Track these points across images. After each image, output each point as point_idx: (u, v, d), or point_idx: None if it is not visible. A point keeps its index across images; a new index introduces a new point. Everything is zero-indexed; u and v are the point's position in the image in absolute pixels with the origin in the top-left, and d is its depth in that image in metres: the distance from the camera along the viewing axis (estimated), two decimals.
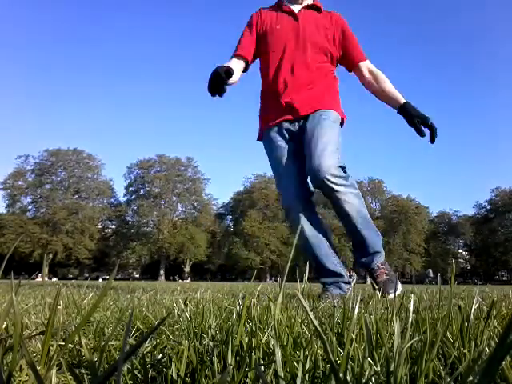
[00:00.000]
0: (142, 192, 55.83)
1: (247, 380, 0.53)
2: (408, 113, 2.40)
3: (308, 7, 2.69)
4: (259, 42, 2.65)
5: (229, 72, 2.11)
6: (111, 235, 55.78)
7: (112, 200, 57.38)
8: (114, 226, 56.76)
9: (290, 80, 2.52)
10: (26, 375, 0.52)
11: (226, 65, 2.22)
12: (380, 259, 2.47)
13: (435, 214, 60.08)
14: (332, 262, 2.42)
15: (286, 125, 2.53)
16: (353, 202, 2.35)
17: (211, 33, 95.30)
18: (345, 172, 2.37)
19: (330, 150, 2.31)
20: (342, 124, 2.61)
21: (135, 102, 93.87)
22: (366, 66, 2.65)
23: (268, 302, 0.81)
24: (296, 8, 2.68)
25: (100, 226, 56.06)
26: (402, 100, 2.48)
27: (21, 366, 0.53)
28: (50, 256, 48.35)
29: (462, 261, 57.70)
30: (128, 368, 0.54)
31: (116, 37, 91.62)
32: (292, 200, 2.43)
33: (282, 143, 2.53)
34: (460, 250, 59.85)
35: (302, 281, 0.87)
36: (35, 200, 51.80)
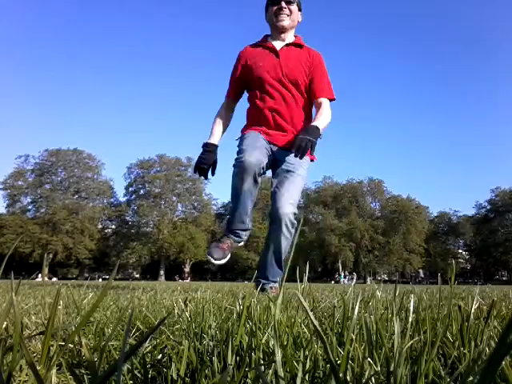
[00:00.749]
0: (141, 192, 55.84)
1: (247, 380, 0.53)
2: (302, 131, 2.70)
3: (290, 44, 2.95)
4: (245, 77, 2.95)
5: (213, 165, 2.83)
6: (111, 235, 55.78)
7: (112, 200, 57.43)
8: (114, 226, 56.75)
9: (269, 115, 2.84)
10: (26, 375, 0.52)
11: (207, 160, 2.80)
12: (276, 284, 2.85)
13: (435, 214, 60.12)
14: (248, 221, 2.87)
15: (265, 139, 2.84)
16: (283, 244, 2.75)
17: (211, 33, 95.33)
18: (295, 215, 2.78)
19: (294, 200, 2.78)
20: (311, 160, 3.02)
21: (135, 102, 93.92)
22: (317, 102, 2.91)
23: (268, 302, 0.81)
24: (278, 45, 2.94)
25: (100, 226, 56.06)
26: (314, 123, 2.72)
27: (21, 365, 0.53)
28: (50, 256, 48.36)
29: (462, 261, 57.70)
30: (128, 368, 0.54)
31: (117, 36, 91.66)
32: (250, 164, 2.65)
33: (258, 138, 2.80)
34: (460, 250, 59.85)
35: (301, 281, 0.87)
36: (35, 200, 51.81)
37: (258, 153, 2.70)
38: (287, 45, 2.95)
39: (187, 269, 52.95)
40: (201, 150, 2.86)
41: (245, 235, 2.89)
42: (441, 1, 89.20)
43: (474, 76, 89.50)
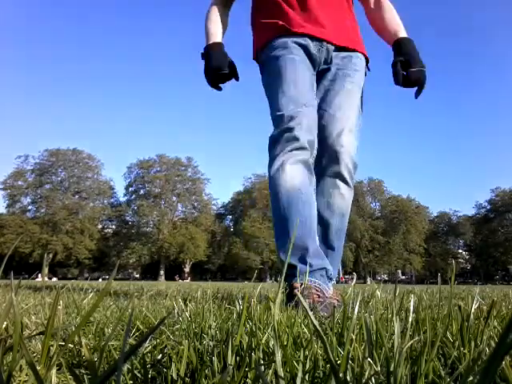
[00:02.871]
0: (141, 192, 55.82)
1: (247, 380, 0.53)
2: (399, 47, 1.86)
3: None
4: None
5: (232, 68, 1.85)
6: (111, 235, 55.76)
7: (112, 200, 57.38)
8: (114, 226, 56.73)
9: None
10: (26, 375, 0.52)
11: (222, 62, 1.84)
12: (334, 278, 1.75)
13: (435, 214, 60.07)
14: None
15: (309, 42, 1.85)
16: (347, 203, 1.85)
17: None
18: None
19: (356, 128, 1.84)
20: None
21: (135, 102, 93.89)
22: None
23: (268, 302, 0.81)
24: None
25: (100, 226, 56.05)
26: (402, 34, 1.92)
27: (21, 365, 0.53)
28: (50, 256, 48.34)
29: (462, 261, 57.67)
30: (128, 368, 0.54)
31: (116, 36, 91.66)
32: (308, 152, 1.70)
33: (300, 57, 1.83)
34: (460, 250, 59.82)
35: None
36: (35, 200, 51.76)
37: (313, 116, 1.73)
38: None
39: (187, 269, 52.94)
40: (204, 63, 1.90)
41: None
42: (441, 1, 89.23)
43: (475, 76, 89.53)
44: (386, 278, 54.62)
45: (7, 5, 77.61)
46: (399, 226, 51.43)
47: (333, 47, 1.90)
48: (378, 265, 52.35)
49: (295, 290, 1.41)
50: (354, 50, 1.94)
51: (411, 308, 0.72)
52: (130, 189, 56.39)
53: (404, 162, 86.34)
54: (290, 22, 1.88)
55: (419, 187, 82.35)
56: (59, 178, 53.54)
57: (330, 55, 1.90)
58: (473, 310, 0.72)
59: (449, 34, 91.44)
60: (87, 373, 0.56)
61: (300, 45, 1.85)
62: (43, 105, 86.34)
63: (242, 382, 0.52)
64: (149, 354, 0.63)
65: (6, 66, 79.76)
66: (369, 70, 2.05)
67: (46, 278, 37.53)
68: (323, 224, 1.79)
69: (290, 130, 1.66)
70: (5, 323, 0.62)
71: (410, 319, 0.69)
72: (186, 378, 0.53)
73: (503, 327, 0.24)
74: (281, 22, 1.89)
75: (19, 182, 51.56)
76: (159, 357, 0.61)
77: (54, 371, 0.48)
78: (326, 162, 1.81)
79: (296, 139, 1.66)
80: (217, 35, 1.98)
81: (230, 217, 59.43)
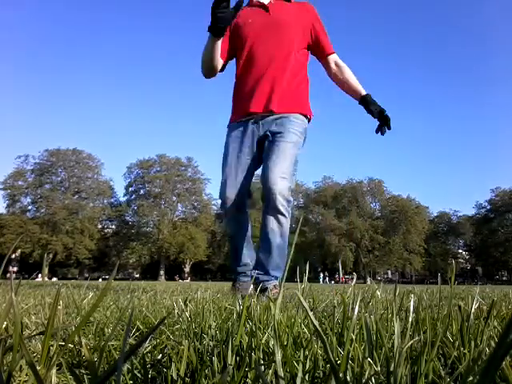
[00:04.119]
0: (141, 192, 55.81)
1: (247, 380, 0.53)
2: (367, 102, 2.57)
3: None
4: (234, 38, 2.63)
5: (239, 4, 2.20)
6: (111, 235, 55.75)
7: (112, 200, 57.37)
8: (113, 226, 56.73)
9: (264, 74, 2.51)
10: (26, 375, 0.52)
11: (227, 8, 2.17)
12: (276, 282, 2.53)
13: (435, 214, 60.06)
14: (249, 255, 2.64)
15: (252, 120, 2.54)
16: (284, 224, 2.42)
17: None
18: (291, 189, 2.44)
19: (286, 173, 2.38)
20: (309, 120, 2.66)
21: (135, 101, 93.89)
22: (333, 59, 2.71)
23: (268, 302, 0.81)
24: (266, 0, 2.66)
25: (100, 226, 56.04)
26: (364, 92, 2.62)
27: (21, 365, 0.53)
28: (50, 256, 48.33)
29: (462, 261, 57.66)
30: (128, 368, 0.54)
31: (116, 36, 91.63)
32: (235, 199, 2.49)
33: (241, 140, 2.55)
34: (460, 250, 59.80)
35: (301, 281, 0.87)
36: (35, 200, 51.73)
37: (240, 178, 2.50)
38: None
39: (187, 269, 52.94)
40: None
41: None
42: (442, 1, 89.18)
43: (475, 76, 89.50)
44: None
45: (8, 4, 77.60)
46: (399, 226, 51.42)
47: (270, 117, 2.51)
48: (378, 265, 52.34)
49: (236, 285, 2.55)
50: (290, 113, 2.53)
51: (411, 308, 0.72)
52: (130, 189, 56.39)
53: (404, 161, 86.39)
54: (238, 109, 2.60)
55: (419, 187, 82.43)
56: (59, 178, 53.54)
57: (268, 124, 2.52)
58: (473, 310, 0.72)
59: (449, 33, 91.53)
60: (87, 373, 0.56)
61: (243, 126, 2.56)
62: (43, 105, 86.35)
63: (242, 382, 0.52)
64: (149, 354, 0.63)
65: (6, 65, 79.77)
66: (309, 121, 2.65)
67: (46, 278, 37.51)
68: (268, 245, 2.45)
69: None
70: (5, 323, 0.62)
71: (410, 319, 0.68)
72: (186, 378, 0.53)
73: (503, 327, 0.24)
74: (235, 109, 2.63)
75: (19, 182, 51.55)
76: (159, 357, 0.61)
77: (54, 371, 0.48)
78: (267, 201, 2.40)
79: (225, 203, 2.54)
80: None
81: None
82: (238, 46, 2.63)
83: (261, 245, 2.52)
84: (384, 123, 2.51)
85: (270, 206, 2.36)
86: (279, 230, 2.41)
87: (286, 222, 2.42)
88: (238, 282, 2.57)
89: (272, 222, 2.39)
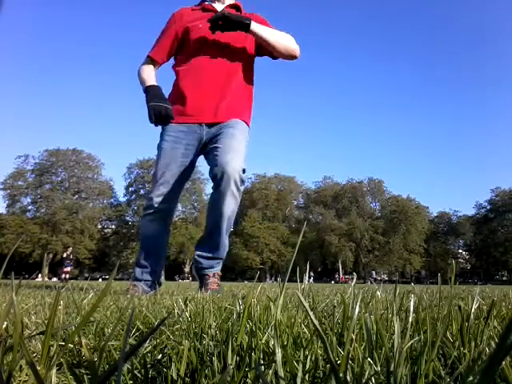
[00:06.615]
0: (142, 192, 55.78)
1: (247, 380, 0.53)
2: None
3: (230, 7, 2.74)
4: (181, 40, 2.66)
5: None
6: (111, 235, 55.76)
7: (112, 200, 57.40)
8: (113, 226, 56.74)
9: (206, 81, 2.55)
10: (26, 375, 0.52)
11: (162, 104, 2.38)
12: (219, 269, 2.55)
13: (435, 214, 60.09)
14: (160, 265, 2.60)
15: (192, 127, 2.56)
16: (232, 205, 2.41)
17: None
18: (244, 173, 2.46)
19: (240, 155, 2.43)
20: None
21: (135, 101, 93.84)
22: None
23: (268, 302, 0.81)
24: (218, 7, 2.72)
25: (100, 226, 56.05)
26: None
27: (21, 365, 0.53)
28: (50, 256, 48.33)
29: (462, 261, 57.66)
30: (128, 368, 0.54)
31: (115, 36, 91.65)
32: (166, 207, 2.52)
33: (179, 145, 2.55)
34: (460, 250, 59.81)
35: (302, 281, 0.87)
36: (35, 200, 51.74)
37: (177, 189, 2.54)
38: (227, 7, 2.72)
39: (187, 269, 52.93)
40: (147, 104, 2.45)
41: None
42: (443, 2, 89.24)
43: (475, 76, 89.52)
44: (386, 278, 54.58)
45: (8, 3, 77.44)
46: (399, 226, 51.43)
47: (216, 126, 2.54)
48: (378, 265, 52.33)
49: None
50: (230, 119, 2.57)
51: (411, 308, 0.72)
52: (130, 189, 56.40)
53: (404, 161, 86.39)
54: (183, 112, 2.55)
55: (419, 187, 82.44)
56: (59, 178, 53.56)
57: (207, 131, 2.56)
58: (473, 310, 0.72)
59: (447, 33, 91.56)
60: (87, 373, 0.56)
61: (179, 131, 2.55)
62: (43, 105, 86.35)
63: (242, 381, 0.52)
64: (149, 354, 0.63)
65: (6, 65, 79.76)
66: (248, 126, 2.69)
67: (46, 278, 37.51)
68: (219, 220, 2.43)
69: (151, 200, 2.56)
70: (5, 323, 0.62)
71: (410, 319, 0.68)
72: (186, 378, 0.53)
73: (503, 327, 0.24)
74: (177, 110, 2.53)
75: (19, 182, 51.56)
76: (159, 357, 0.61)
77: (54, 371, 0.48)
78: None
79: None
80: (149, 80, 2.58)
81: None
82: (184, 48, 2.65)
83: (208, 221, 2.51)
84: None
85: (224, 185, 2.34)
86: (231, 209, 2.41)
87: (236, 205, 2.46)
88: (137, 284, 2.44)
89: (224, 202, 2.37)
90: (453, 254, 56.84)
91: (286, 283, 0.54)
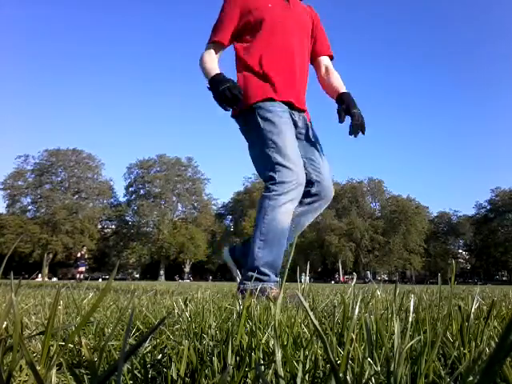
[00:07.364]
0: (142, 192, 55.86)
1: (247, 380, 0.53)
2: (341, 99, 2.40)
3: None
4: (248, 19, 2.41)
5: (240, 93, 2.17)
6: (111, 235, 55.77)
7: (112, 200, 57.41)
8: (113, 226, 56.75)
9: (294, 67, 2.38)
10: (26, 375, 0.52)
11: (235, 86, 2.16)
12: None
13: (435, 214, 60.08)
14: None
15: (283, 105, 2.34)
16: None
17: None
18: None
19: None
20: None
21: (135, 101, 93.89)
22: (323, 61, 2.63)
23: (268, 302, 0.81)
24: None
25: (100, 226, 56.05)
26: (343, 90, 2.47)
27: (21, 365, 0.53)
28: (50, 256, 48.34)
29: (462, 261, 57.65)
30: (128, 368, 0.54)
31: (116, 36, 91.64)
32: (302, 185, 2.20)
33: (289, 124, 2.32)
34: (460, 250, 59.80)
35: (300, 281, 0.87)
36: (35, 200, 51.75)
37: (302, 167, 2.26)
38: None
39: (187, 269, 52.95)
40: (212, 91, 2.20)
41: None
42: (443, 2, 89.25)
43: (475, 76, 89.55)
44: (386, 278, 54.56)
45: (8, 3, 77.61)
46: (399, 226, 51.41)
47: (299, 112, 2.42)
48: (378, 265, 52.32)
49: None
50: (304, 110, 2.46)
51: (411, 308, 0.72)
52: (130, 189, 56.45)
53: (404, 161, 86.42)
54: (277, 88, 2.32)
55: (419, 187, 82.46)
56: (59, 178, 53.58)
57: (299, 118, 2.41)
58: (473, 310, 0.72)
59: (447, 33, 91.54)
60: (87, 373, 0.56)
61: (284, 109, 2.31)
62: (43, 105, 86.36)
63: (242, 381, 0.52)
64: (149, 354, 0.63)
65: (6, 65, 79.78)
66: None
67: (46, 278, 37.52)
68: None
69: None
70: (5, 323, 0.62)
71: (410, 319, 0.68)
72: (186, 378, 0.53)
73: (503, 327, 0.24)
74: (269, 86, 2.31)
75: (19, 182, 51.58)
76: (159, 357, 0.61)
77: (54, 371, 0.47)
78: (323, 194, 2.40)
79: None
80: (215, 69, 2.30)
81: (230, 217, 59.42)
82: (255, 27, 2.40)
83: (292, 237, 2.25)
84: (359, 125, 2.29)
85: (321, 204, 2.38)
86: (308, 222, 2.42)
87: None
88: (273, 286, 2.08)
89: (311, 218, 2.38)
90: (453, 254, 56.83)
91: (285, 283, 0.54)
